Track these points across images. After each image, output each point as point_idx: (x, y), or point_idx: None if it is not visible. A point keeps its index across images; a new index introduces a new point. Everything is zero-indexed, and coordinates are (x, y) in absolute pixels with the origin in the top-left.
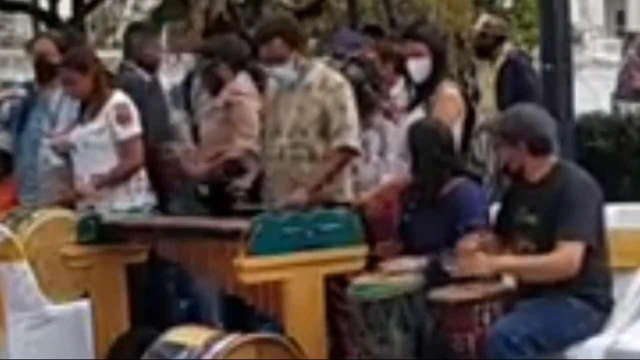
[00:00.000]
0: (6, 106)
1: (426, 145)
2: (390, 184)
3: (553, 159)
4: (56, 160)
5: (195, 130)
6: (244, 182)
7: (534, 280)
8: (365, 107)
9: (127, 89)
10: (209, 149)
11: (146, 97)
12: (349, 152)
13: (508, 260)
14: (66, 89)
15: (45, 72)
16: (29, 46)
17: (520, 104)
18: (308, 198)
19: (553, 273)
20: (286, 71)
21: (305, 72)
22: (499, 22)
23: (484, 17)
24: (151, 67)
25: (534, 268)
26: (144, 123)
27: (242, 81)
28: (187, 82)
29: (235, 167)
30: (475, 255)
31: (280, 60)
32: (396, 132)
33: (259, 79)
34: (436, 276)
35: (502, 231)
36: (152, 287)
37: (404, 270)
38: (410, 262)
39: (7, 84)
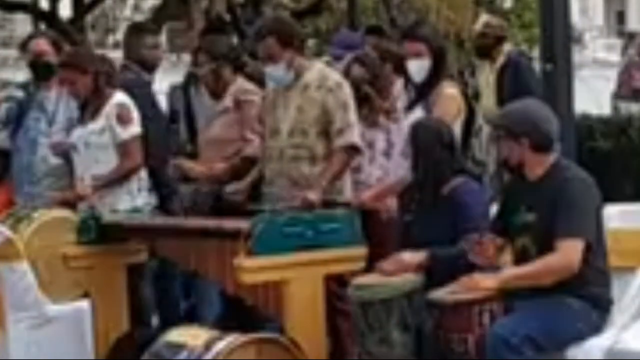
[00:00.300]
0: (5, 106)
1: (428, 144)
2: (390, 184)
3: (553, 157)
4: (55, 160)
5: (193, 131)
6: (242, 185)
7: (538, 284)
8: (367, 107)
9: (127, 90)
10: (221, 150)
11: (147, 97)
12: (353, 150)
13: (509, 272)
14: (66, 89)
15: (42, 72)
16: (23, 46)
17: (523, 99)
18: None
19: (555, 274)
20: (278, 70)
21: (302, 72)
22: (499, 22)
23: (484, 17)
24: (151, 67)
25: (536, 273)
26: (144, 124)
27: (242, 82)
28: (186, 83)
29: (251, 164)
30: (474, 278)
31: (272, 58)
32: (399, 132)
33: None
34: (436, 272)
35: (501, 230)
36: (159, 285)
37: (403, 270)
38: (410, 257)
39: (6, 84)
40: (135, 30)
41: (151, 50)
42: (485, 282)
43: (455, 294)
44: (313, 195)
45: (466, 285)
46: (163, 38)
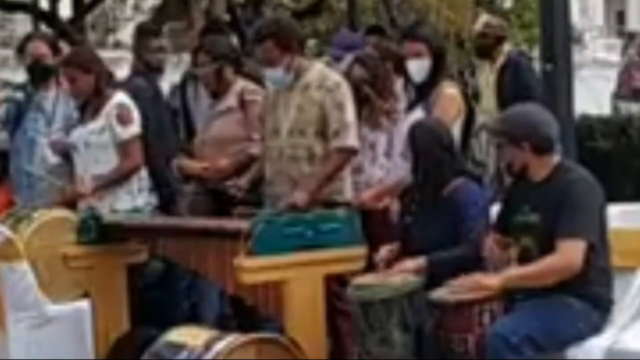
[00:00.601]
0: (6, 106)
1: (427, 145)
2: (390, 184)
3: (556, 158)
4: (54, 160)
5: (190, 131)
6: (242, 182)
7: (540, 284)
8: (368, 108)
9: (134, 95)
10: (223, 149)
11: (148, 100)
12: (348, 152)
13: (510, 273)
14: (67, 88)
15: (40, 74)
16: (20, 48)
17: (521, 103)
18: (309, 199)
19: (557, 274)
20: (276, 73)
21: (302, 72)
22: (499, 22)
23: (484, 17)
24: (157, 69)
25: (538, 273)
26: (154, 127)
27: (246, 81)
28: (183, 83)
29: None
30: (476, 277)
31: (270, 62)
32: (398, 133)
33: (257, 80)
34: (436, 276)
35: (504, 230)
36: (164, 284)
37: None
38: (411, 265)
39: (7, 84)
40: (139, 33)
41: (154, 54)
42: (487, 281)
43: (456, 293)
44: (299, 198)
45: (468, 284)
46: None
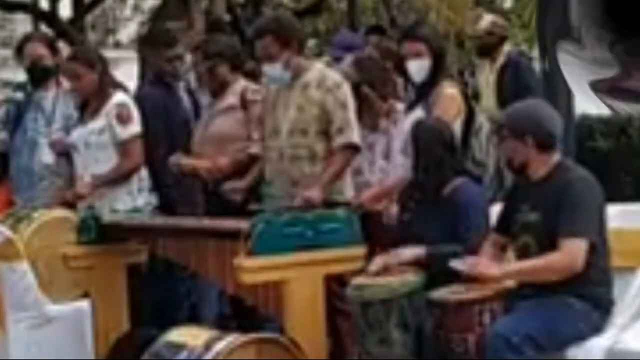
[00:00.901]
0: (6, 106)
1: (429, 144)
2: (390, 185)
3: (556, 156)
4: (52, 159)
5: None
6: (242, 184)
7: (539, 281)
8: (367, 108)
9: (144, 102)
10: (223, 147)
11: (169, 109)
12: (353, 149)
13: (512, 266)
14: (70, 85)
15: (39, 75)
16: (19, 50)
17: (525, 99)
18: (322, 197)
19: (557, 273)
20: (274, 70)
21: (302, 72)
22: (502, 22)
23: (489, 17)
24: (173, 76)
25: (539, 269)
26: (169, 134)
27: (247, 81)
28: None
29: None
30: (481, 261)
31: (269, 58)
32: (398, 132)
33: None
34: (434, 270)
35: (504, 229)
36: (165, 284)
37: (403, 270)
38: (409, 253)
39: (7, 84)
40: (148, 42)
41: (170, 63)
42: (490, 270)
43: (456, 293)
44: (314, 194)
45: (475, 262)
46: None
